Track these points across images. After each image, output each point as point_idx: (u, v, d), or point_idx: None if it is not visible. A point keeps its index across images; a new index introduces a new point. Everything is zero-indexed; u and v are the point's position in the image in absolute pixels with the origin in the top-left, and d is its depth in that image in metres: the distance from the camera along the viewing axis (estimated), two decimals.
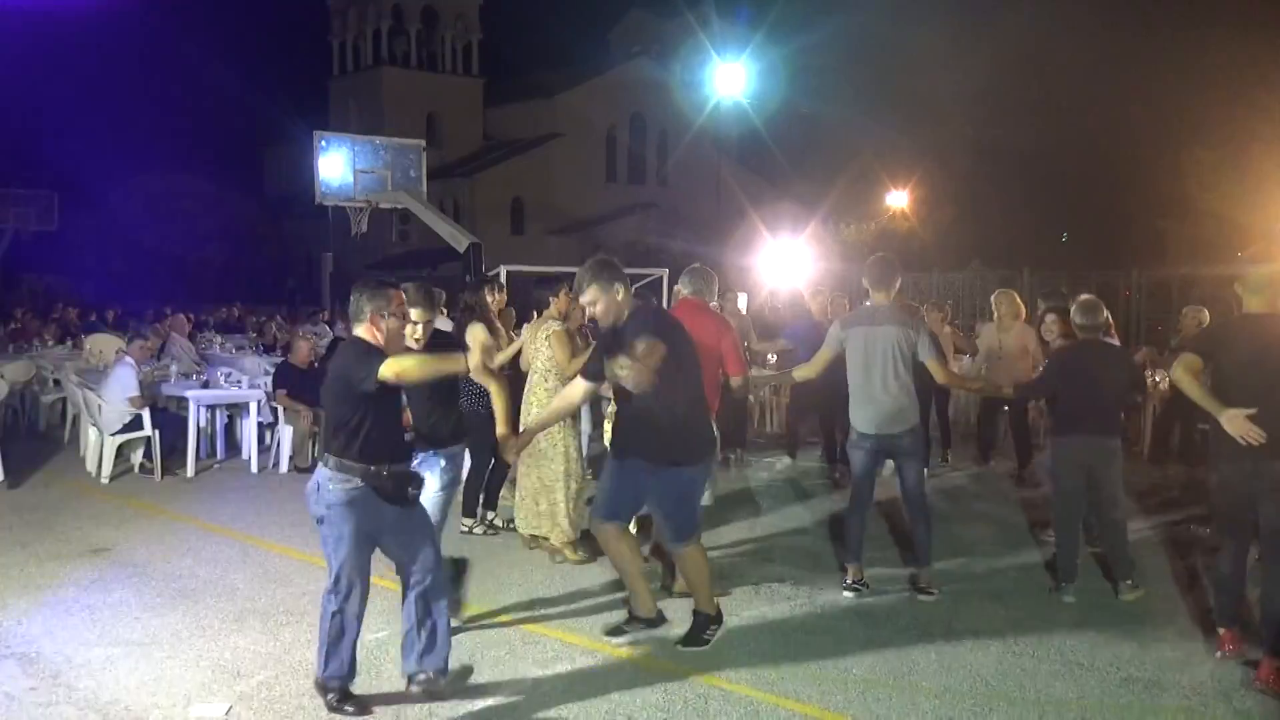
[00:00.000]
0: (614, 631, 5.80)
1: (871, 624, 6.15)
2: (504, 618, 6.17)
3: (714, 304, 7.46)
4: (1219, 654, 5.53)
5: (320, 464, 4.83)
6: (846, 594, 6.60)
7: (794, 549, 7.87)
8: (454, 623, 5.99)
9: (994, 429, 11.23)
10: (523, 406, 7.33)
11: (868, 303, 6.77)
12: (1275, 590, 5.31)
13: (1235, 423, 5.18)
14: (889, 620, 6.22)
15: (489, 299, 7.94)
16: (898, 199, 36.95)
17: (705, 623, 5.73)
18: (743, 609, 6.37)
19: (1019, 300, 10.67)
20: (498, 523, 8.15)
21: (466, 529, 7.98)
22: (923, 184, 37.00)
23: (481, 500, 8.13)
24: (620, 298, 5.38)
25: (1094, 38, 37.82)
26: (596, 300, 5.37)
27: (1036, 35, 37.88)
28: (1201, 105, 26.60)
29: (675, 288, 10.49)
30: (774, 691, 5.12)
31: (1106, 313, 7.04)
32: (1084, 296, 7.03)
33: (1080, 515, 6.78)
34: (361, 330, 4.80)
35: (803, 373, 7.17)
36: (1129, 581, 6.62)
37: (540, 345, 7.34)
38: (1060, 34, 38.66)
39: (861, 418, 6.55)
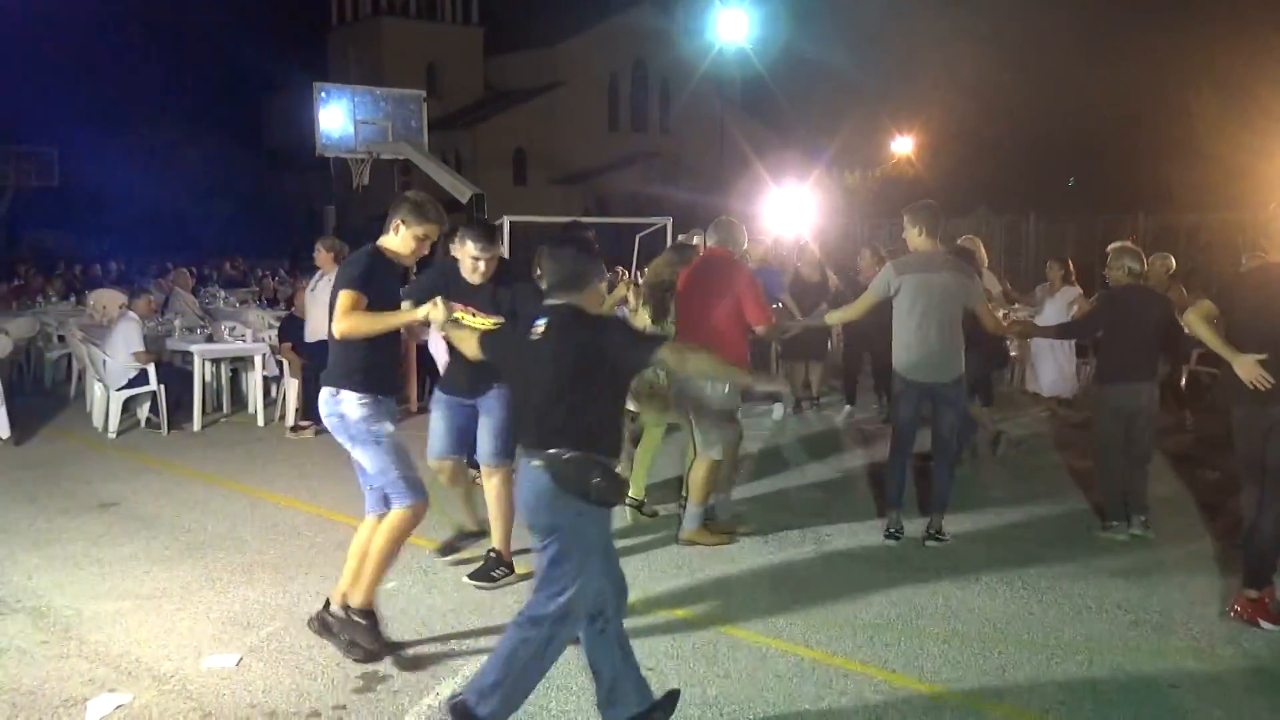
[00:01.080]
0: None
1: (879, 570, 6.16)
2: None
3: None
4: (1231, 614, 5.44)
5: (536, 460, 3.90)
6: (888, 541, 6.59)
7: (806, 499, 7.89)
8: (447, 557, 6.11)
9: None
10: None
11: (916, 249, 6.63)
12: (1265, 524, 5.30)
13: (1246, 368, 5.19)
14: (897, 566, 6.24)
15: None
16: (903, 145, 36.64)
17: (498, 561, 5.88)
18: (752, 557, 6.39)
19: (1070, 264, 11.01)
20: None
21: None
22: (927, 130, 36.67)
23: None
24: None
25: None
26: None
27: None
28: (1207, 46, 26.26)
29: (683, 236, 10.47)
30: (782, 637, 5.13)
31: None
32: (1122, 244, 7.04)
33: (1120, 458, 6.80)
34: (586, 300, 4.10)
35: (838, 316, 7.08)
36: (1143, 519, 6.71)
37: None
38: None
39: (909, 364, 6.46)
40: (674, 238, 17.56)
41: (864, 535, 6.86)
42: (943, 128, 36.43)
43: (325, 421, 4.96)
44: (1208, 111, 25.67)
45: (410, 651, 4.97)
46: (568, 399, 3.89)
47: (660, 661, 4.86)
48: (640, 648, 4.93)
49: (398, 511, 4.87)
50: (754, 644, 5.06)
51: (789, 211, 19.25)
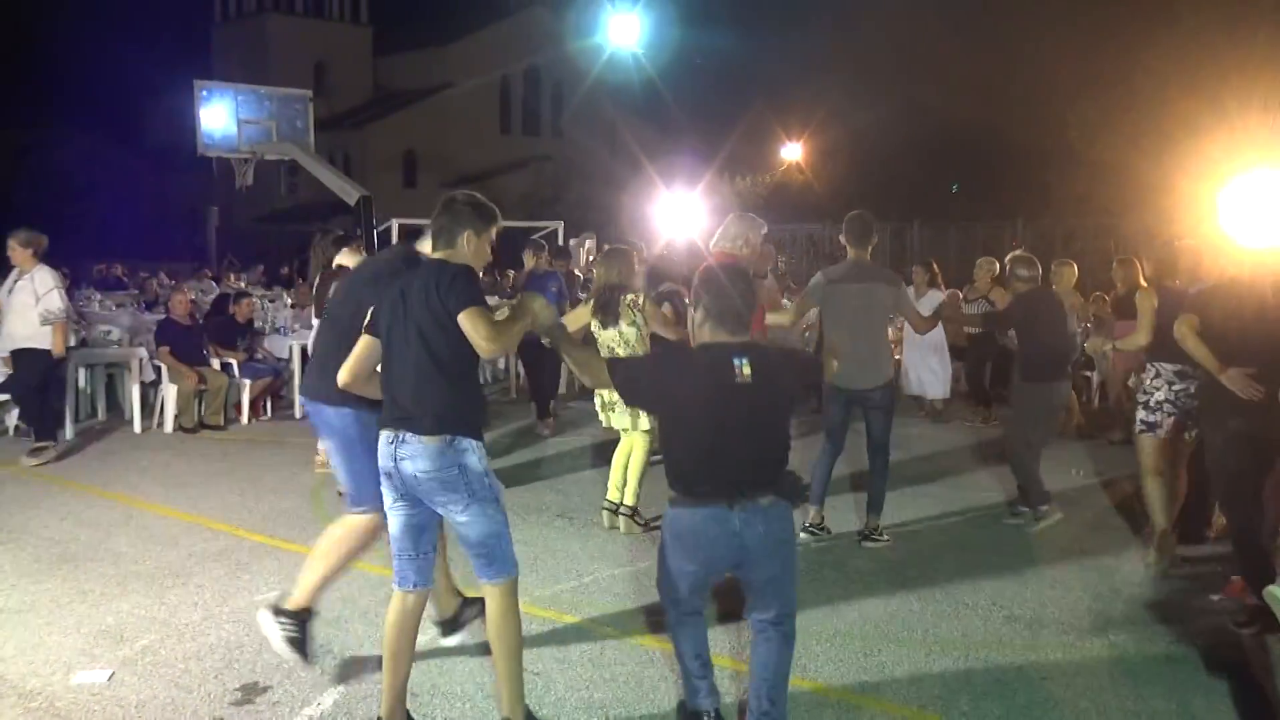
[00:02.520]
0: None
1: None
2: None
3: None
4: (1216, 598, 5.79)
5: (765, 499, 3.86)
6: (802, 535, 6.67)
7: None
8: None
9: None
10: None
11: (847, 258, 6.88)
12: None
13: (1237, 380, 5.40)
14: None
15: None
16: (792, 151, 37.18)
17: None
18: (641, 558, 6.41)
19: (935, 268, 11.54)
20: None
21: None
22: (816, 137, 37.27)
23: None
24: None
25: None
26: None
27: None
28: (1086, 62, 27.19)
29: (574, 240, 10.47)
30: (668, 640, 5.16)
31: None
32: (1020, 253, 7.61)
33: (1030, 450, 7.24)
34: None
35: (773, 319, 7.22)
36: (1045, 507, 7.20)
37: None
38: None
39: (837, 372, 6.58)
40: (566, 241, 17.57)
41: None
42: (831, 135, 37.08)
43: (433, 475, 3.94)
44: (1084, 120, 26.57)
45: (290, 662, 4.87)
46: (769, 440, 3.92)
47: (547, 666, 4.84)
48: (527, 654, 4.93)
49: (506, 584, 4.10)
50: (640, 646, 5.08)
51: (681, 215, 19.37)
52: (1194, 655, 5.06)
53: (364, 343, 4.17)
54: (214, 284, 19.10)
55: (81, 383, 10.83)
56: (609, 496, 7.15)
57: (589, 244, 17.24)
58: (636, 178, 30.07)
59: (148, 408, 10.79)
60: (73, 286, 16.71)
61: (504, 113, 51.24)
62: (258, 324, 12.25)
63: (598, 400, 7.17)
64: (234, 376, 10.94)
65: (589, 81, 42.40)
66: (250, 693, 4.59)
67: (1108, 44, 26.12)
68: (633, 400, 4.28)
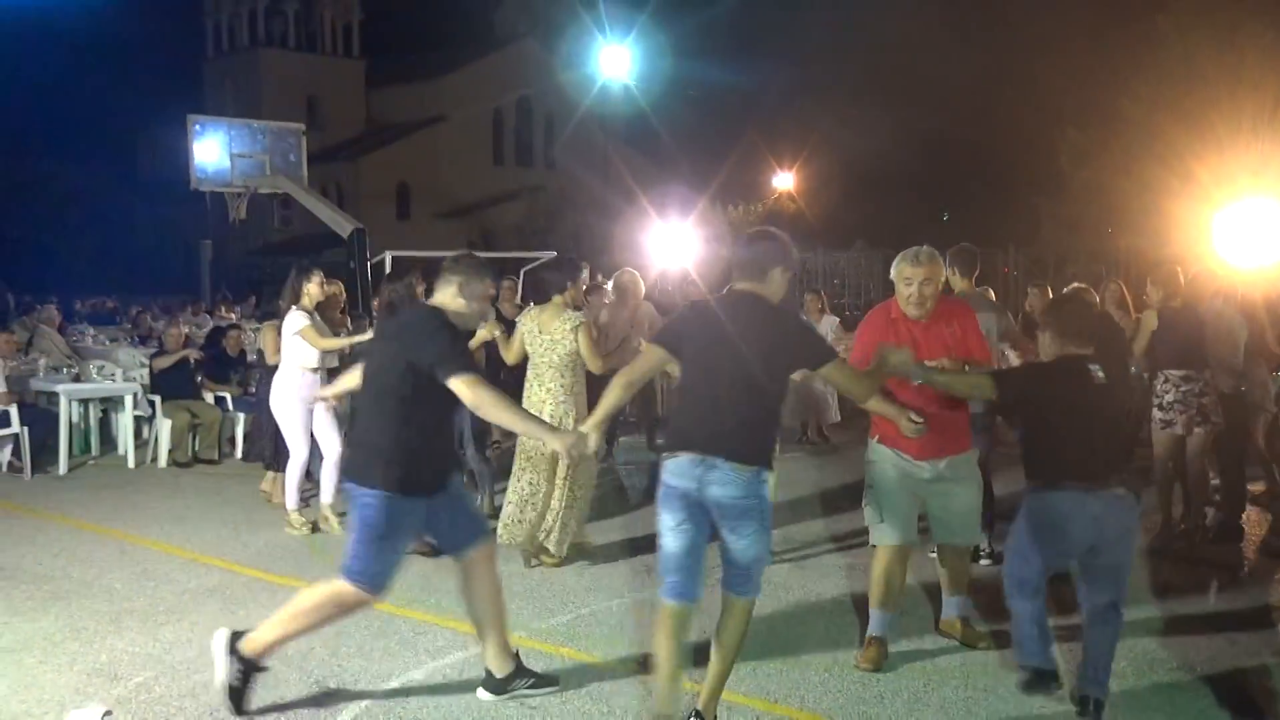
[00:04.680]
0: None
1: (761, 602, 6.21)
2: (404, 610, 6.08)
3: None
4: None
5: (1120, 489, 4.51)
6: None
7: None
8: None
9: None
10: (526, 400, 6.72)
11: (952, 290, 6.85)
12: None
13: None
14: (775, 595, 6.29)
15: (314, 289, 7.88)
16: (784, 180, 37.36)
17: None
18: (636, 590, 6.38)
19: (823, 296, 11.94)
20: None
21: None
22: (808, 165, 37.48)
23: None
24: None
25: (972, 22, 38.72)
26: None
27: (916, 20, 38.63)
28: (1074, 89, 27.45)
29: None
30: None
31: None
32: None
33: None
34: None
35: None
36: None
37: (561, 337, 6.70)
38: (938, 18, 39.49)
39: None
40: None
41: None
42: (822, 164, 37.29)
43: (739, 501, 4.15)
44: (1073, 145, 26.76)
45: (290, 696, 4.83)
46: (1117, 434, 4.81)
47: (545, 700, 4.81)
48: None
49: (754, 600, 4.40)
50: (638, 679, 5.05)
51: (673, 244, 19.43)
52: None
53: (654, 354, 4.49)
54: (207, 317, 19.09)
55: (75, 417, 10.79)
56: None
57: (583, 274, 17.26)
58: (629, 207, 30.18)
59: (141, 442, 10.75)
60: (65, 321, 16.75)
61: (496, 144, 51.49)
62: (250, 357, 12.22)
63: None
64: (227, 410, 10.91)
65: (581, 112, 42.59)
66: None
67: (1096, 69, 26.36)
68: (1012, 394, 4.76)
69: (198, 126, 17.47)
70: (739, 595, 4.33)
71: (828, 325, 11.37)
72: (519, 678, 4.81)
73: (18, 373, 10.85)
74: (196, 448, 10.59)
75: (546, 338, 6.73)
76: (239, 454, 10.84)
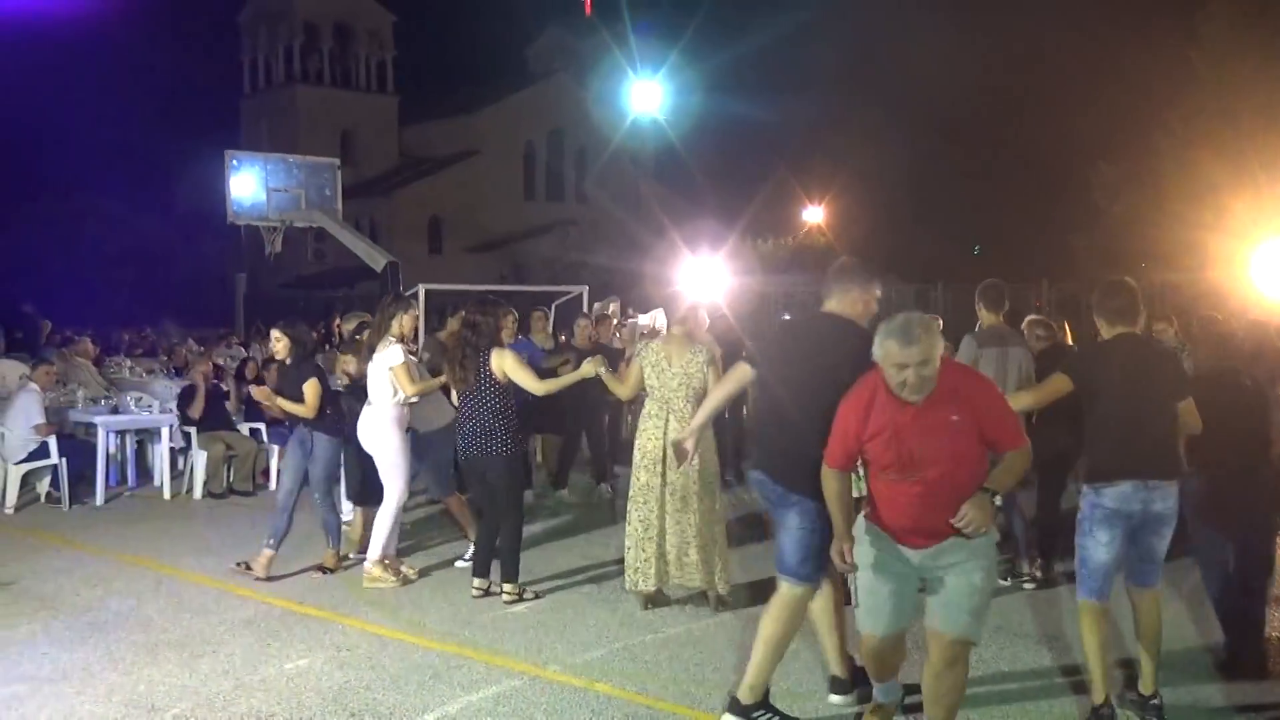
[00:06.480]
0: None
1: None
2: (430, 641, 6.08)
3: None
4: None
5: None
6: None
7: None
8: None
9: None
10: (652, 430, 6.60)
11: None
12: None
13: None
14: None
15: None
16: (814, 214, 37.42)
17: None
18: (660, 623, 6.36)
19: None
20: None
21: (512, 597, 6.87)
22: (838, 200, 37.53)
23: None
24: None
25: (1003, 55, 38.75)
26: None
27: (946, 56, 38.69)
28: (1107, 122, 27.45)
29: (599, 305, 10.49)
30: (696, 706, 5.10)
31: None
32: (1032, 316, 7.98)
33: None
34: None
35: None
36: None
37: (696, 369, 6.54)
38: (969, 52, 39.52)
39: None
40: (590, 306, 17.64)
41: None
42: (852, 198, 37.33)
43: (1169, 512, 4.84)
44: (1106, 180, 26.69)
45: None
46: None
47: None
48: None
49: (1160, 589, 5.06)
50: (671, 713, 5.02)
51: (704, 278, 19.45)
52: None
53: (1060, 383, 4.95)
54: (242, 350, 19.25)
55: (111, 449, 10.89)
56: None
57: (613, 308, 17.31)
58: (660, 241, 30.28)
59: (177, 473, 10.85)
60: (103, 353, 16.95)
61: (528, 178, 51.88)
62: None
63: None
64: (263, 442, 10.98)
65: (611, 147, 42.88)
66: None
67: (1128, 103, 26.32)
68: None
69: (235, 161, 17.72)
70: (1151, 586, 4.93)
71: None
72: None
73: (56, 405, 10.98)
74: (231, 479, 10.65)
75: (679, 370, 6.58)
76: (273, 485, 10.89)
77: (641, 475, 6.60)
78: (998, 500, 4.07)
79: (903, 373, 3.98)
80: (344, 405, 7.86)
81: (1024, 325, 7.73)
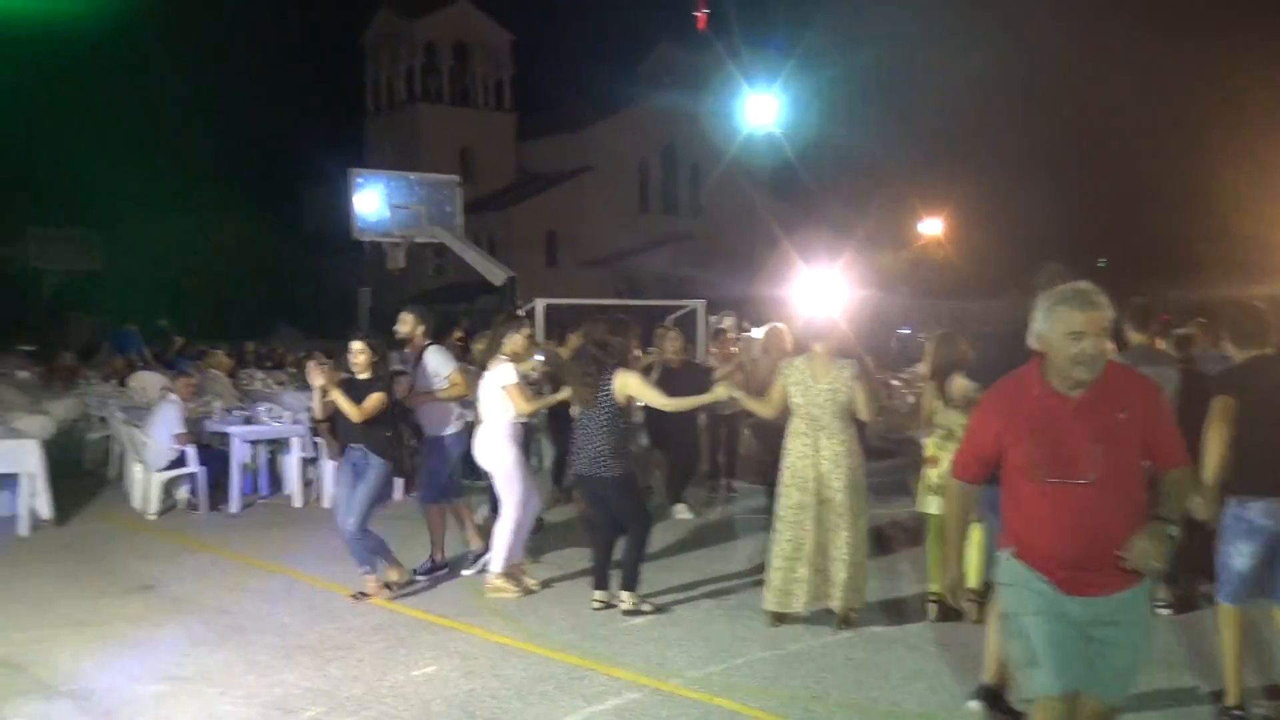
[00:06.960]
0: None
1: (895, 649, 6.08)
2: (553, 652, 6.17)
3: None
4: None
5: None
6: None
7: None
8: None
9: None
10: (800, 450, 6.55)
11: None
12: None
13: None
14: (936, 652, 6.16)
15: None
16: (931, 226, 36.84)
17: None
18: (779, 639, 6.34)
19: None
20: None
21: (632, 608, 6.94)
22: (957, 211, 36.90)
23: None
24: None
25: (1124, 65, 37.72)
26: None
27: (1070, 64, 37.80)
28: (1235, 131, 26.57)
29: (714, 319, 10.46)
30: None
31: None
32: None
33: None
34: None
35: None
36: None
37: (842, 385, 6.49)
38: (1094, 62, 38.57)
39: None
40: (706, 320, 17.67)
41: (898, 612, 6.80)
42: (971, 209, 36.66)
43: None
44: (1235, 192, 25.80)
45: None
46: None
47: None
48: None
49: None
50: None
51: (820, 292, 19.33)
52: None
53: (1226, 406, 5.09)
54: None
55: (245, 458, 11.29)
56: (931, 589, 6.78)
57: (728, 322, 17.30)
58: (775, 254, 30.18)
59: (307, 482, 11.18)
60: (237, 366, 17.60)
61: (642, 193, 52.17)
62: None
63: (927, 480, 6.76)
64: None
65: (726, 161, 42.86)
66: None
67: (1257, 112, 25.43)
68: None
69: (359, 179, 18.20)
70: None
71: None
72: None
73: (193, 415, 11.43)
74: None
75: (825, 386, 6.50)
76: (397, 495, 11.14)
77: (794, 494, 6.50)
78: (1173, 531, 3.48)
79: (1081, 342, 3.51)
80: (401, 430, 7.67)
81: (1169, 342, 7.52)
